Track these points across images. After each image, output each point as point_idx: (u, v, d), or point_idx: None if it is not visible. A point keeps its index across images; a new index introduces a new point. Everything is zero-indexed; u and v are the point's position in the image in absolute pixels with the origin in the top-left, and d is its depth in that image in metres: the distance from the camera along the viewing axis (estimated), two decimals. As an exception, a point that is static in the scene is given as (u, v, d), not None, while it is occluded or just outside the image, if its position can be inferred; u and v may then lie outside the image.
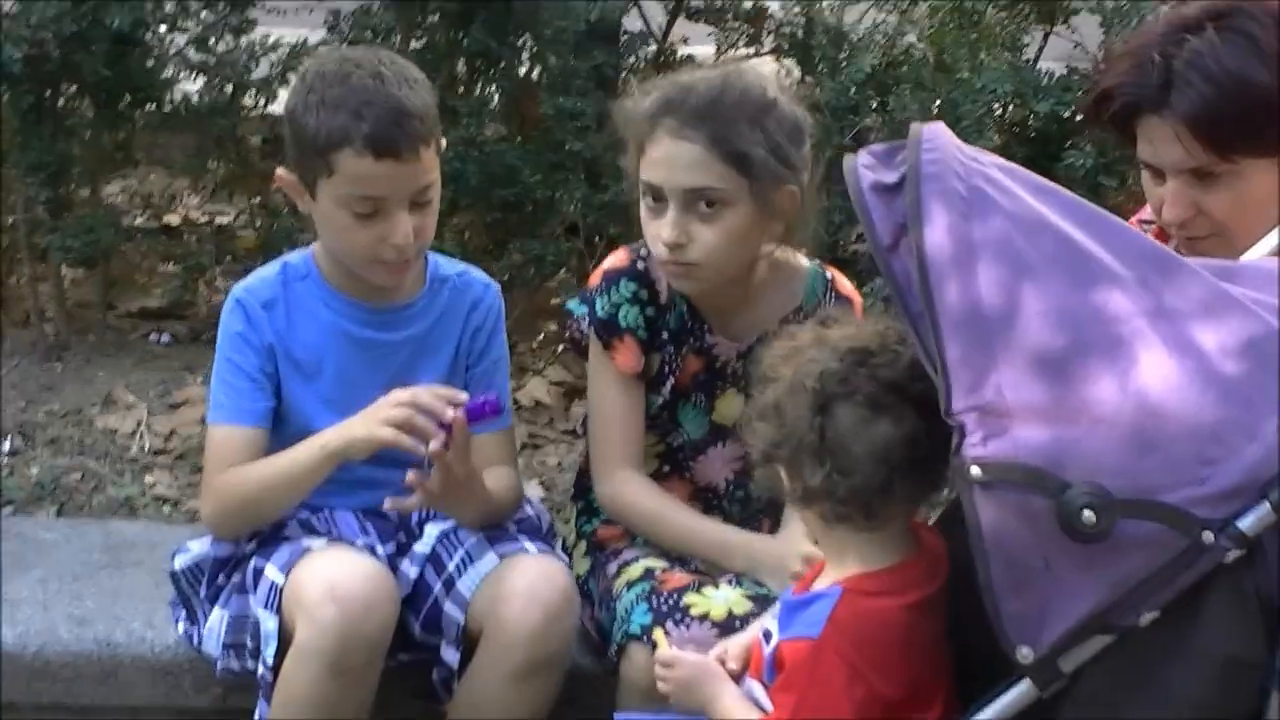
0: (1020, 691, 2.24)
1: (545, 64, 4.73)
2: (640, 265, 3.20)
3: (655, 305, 3.19)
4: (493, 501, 3.10)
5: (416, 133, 2.96)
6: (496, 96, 4.81)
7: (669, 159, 3.04)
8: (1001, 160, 2.41)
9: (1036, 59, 4.88)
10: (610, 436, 3.25)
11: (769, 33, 5.75)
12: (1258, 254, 2.58)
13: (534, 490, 4.11)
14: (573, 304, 3.28)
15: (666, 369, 3.24)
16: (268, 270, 3.17)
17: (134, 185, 5.65)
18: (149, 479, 4.43)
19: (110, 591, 3.57)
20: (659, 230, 3.05)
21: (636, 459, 3.25)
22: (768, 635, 2.61)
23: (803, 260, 3.27)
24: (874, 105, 4.83)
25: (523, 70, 4.94)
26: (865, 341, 2.47)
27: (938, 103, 4.59)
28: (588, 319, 3.22)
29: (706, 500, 3.33)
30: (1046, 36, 4.86)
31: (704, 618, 2.96)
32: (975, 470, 2.15)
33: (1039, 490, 2.15)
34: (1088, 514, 2.12)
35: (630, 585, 3.11)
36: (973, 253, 2.23)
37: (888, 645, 2.45)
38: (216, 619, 3.13)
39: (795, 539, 3.07)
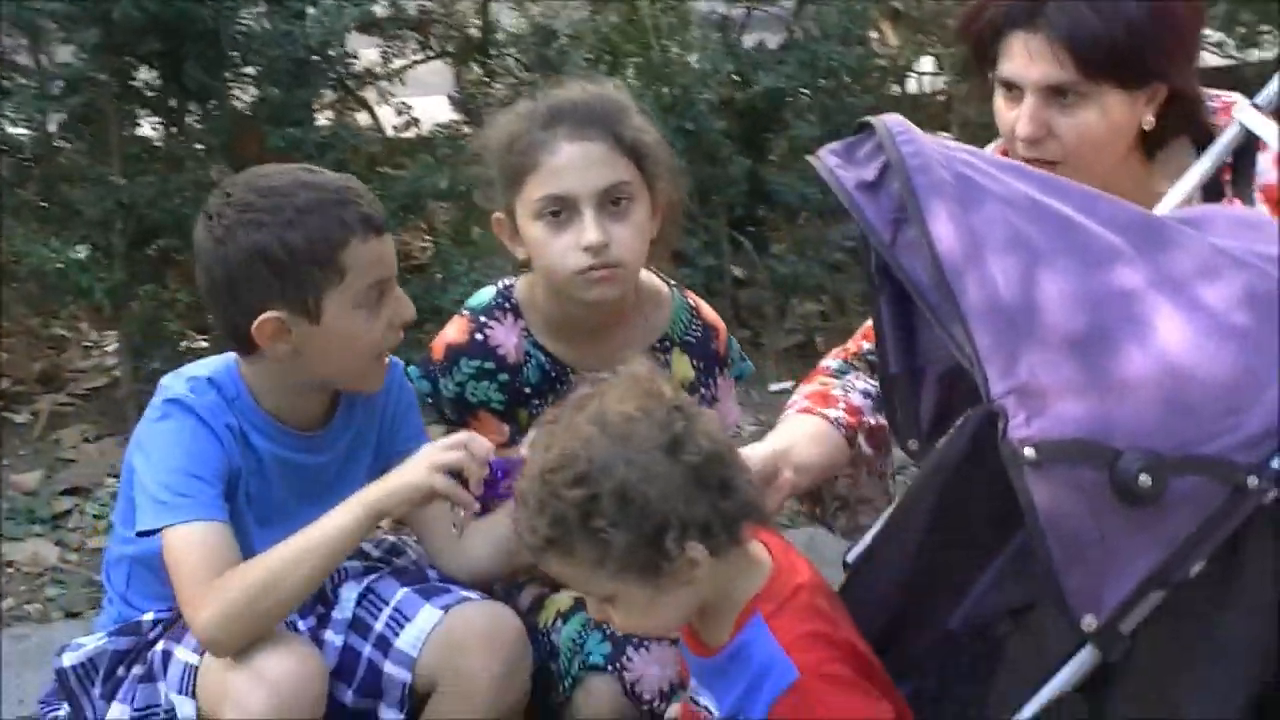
0: (1082, 660, 2.28)
1: (265, 96, 4.53)
2: (480, 336, 3.11)
3: (505, 369, 3.11)
4: None
5: (379, 218, 2.87)
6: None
7: (576, 162, 2.96)
8: (963, 145, 2.44)
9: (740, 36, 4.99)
10: None
11: (438, 38, 5.70)
12: (1171, 201, 2.70)
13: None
14: (414, 376, 3.15)
15: (536, 419, 3.15)
16: (204, 390, 2.89)
17: None
18: None
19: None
20: (576, 240, 2.95)
21: None
22: (703, 706, 2.57)
23: (663, 286, 3.23)
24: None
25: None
26: (648, 389, 2.44)
27: (666, 89, 4.62)
28: (430, 397, 3.14)
29: None
30: (749, 12, 4.97)
31: (661, 638, 2.92)
32: (1029, 452, 2.17)
33: (1091, 462, 2.19)
34: (1144, 478, 2.17)
35: (565, 617, 3.04)
36: (979, 243, 2.26)
37: (832, 621, 2.46)
38: (117, 714, 2.90)
39: None
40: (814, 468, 2.93)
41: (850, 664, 2.41)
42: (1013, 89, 2.98)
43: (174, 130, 4.59)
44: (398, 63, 5.77)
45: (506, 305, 3.14)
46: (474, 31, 5.57)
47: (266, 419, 2.92)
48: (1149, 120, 3.00)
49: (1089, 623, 2.23)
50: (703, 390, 3.23)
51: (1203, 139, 3.15)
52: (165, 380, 2.94)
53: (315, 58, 4.65)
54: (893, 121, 2.39)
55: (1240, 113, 2.71)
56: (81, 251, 4.36)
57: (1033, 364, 2.22)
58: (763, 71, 4.73)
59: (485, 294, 3.18)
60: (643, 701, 2.92)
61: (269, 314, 2.79)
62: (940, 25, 5.14)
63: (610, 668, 2.92)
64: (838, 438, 2.98)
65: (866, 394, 3.04)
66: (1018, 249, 2.27)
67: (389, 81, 5.64)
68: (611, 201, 2.97)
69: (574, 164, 2.96)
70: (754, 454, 2.79)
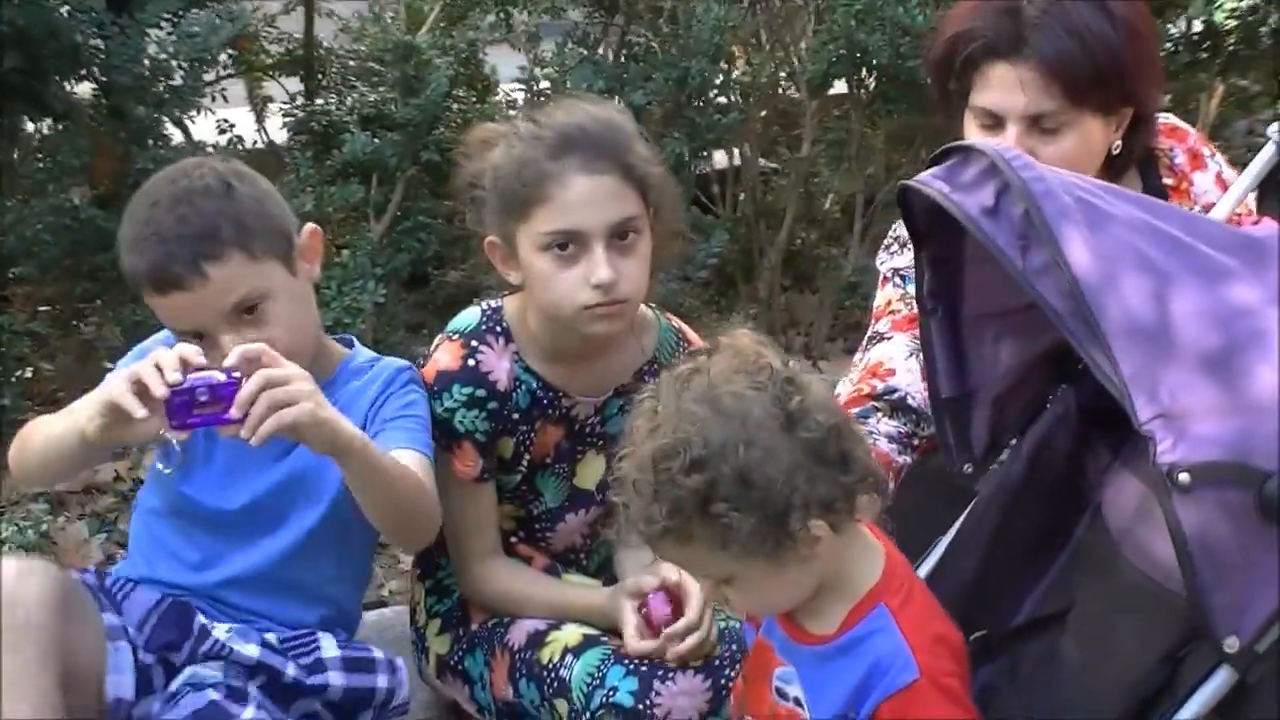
0: (1221, 681, 2.28)
1: (126, 114, 4.27)
2: (472, 362, 3.01)
3: (496, 397, 3.02)
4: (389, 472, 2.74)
5: (198, 253, 2.72)
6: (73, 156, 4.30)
7: (588, 197, 2.87)
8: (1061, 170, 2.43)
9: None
10: (461, 534, 3.11)
11: (259, 54, 5.50)
12: (1221, 213, 2.76)
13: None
14: None
15: (521, 448, 3.08)
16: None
17: None
18: None
19: None
20: (585, 275, 2.87)
21: (492, 548, 3.13)
22: (790, 699, 2.47)
23: (648, 310, 3.17)
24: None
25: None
26: (755, 362, 2.33)
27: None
28: None
29: (566, 560, 3.21)
30: (609, 29, 4.90)
31: (685, 667, 2.87)
32: (1184, 477, 2.15)
33: (1239, 484, 2.18)
34: (1294, 498, 2.18)
35: (575, 652, 2.95)
36: (1112, 266, 2.24)
37: (947, 627, 2.42)
38: None
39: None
40: None
41: (961, 677, 2.36)
42: (992, 118, 2.99)
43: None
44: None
45: (497, 329, 3.04)
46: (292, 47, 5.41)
47: None
48: (1117, 144, 3.06)
49: (1231, 644, 2.22)
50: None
51: (1146, 161, 3.24)
52: None
53: (181, 76, 4.42)
54: (1000, 147, 2.37)
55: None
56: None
57: (1172, 386, 2.20)
58: (629, 89, 4.67)
59: (470, 317, 3.08)
60: None
61: None
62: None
63: (641, 705, 2.83)
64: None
65: (891, 437, 3.04)
66: (1145, 270, 2.26)
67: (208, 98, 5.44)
68: (619, 235, 2.90)
69: (586, 199, 2.87)
70: None
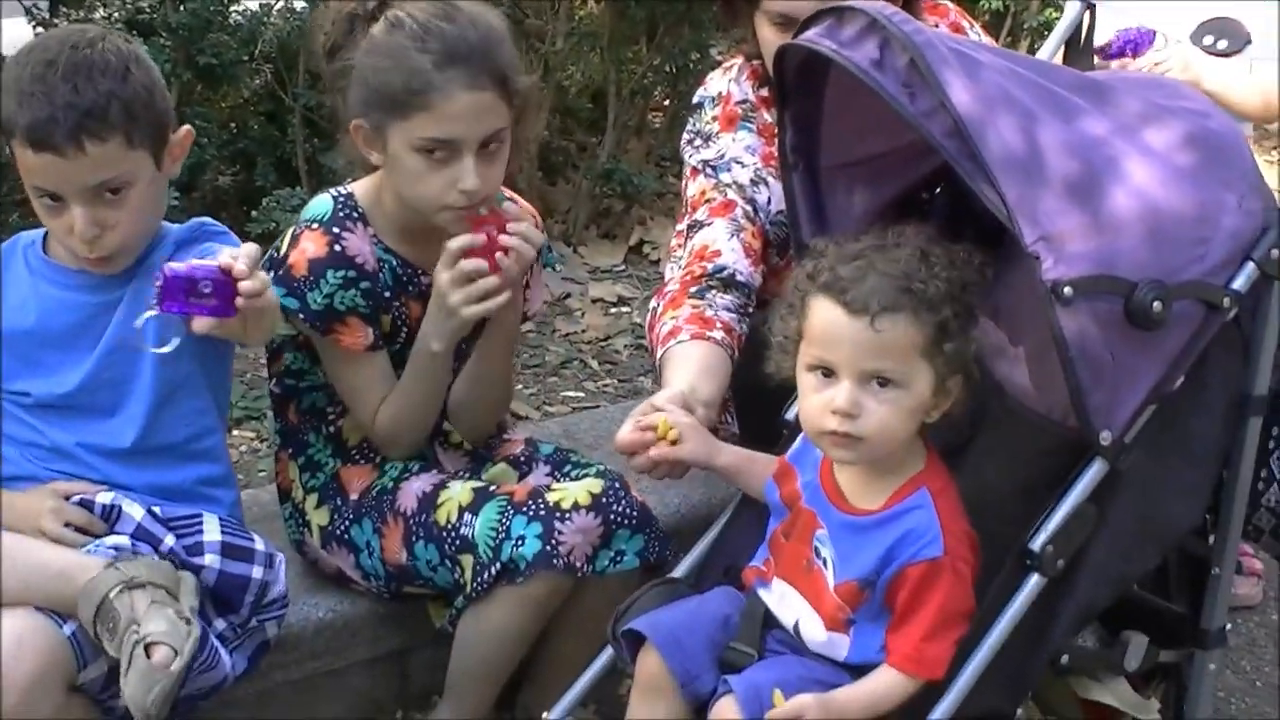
0: (1095, 471, 2.58)
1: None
2: (338, 247, 3.13)
3: (367, 277, 3.15)
4: None
5: (83, 128, 2.79)
6: None
7: (468, 112, 3.01)
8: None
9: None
10: (364, 400, 3.25)
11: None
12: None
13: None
14: (279, 296, 3.10)
15: (399, 322, 3.23)
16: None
17: None
18: None
19: None
20: (453, 180, 3.03)
21: None
22: (821, 558, 2.65)
23: None
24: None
25: None
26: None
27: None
28: (300, 312, 3.13)
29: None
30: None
31: (577, 507, 3.06)
32: (1068, 290, 2.43)
33: (1110, 294, 2.48)
34: (1156, 305, 2.48)
35: (472, 510, 3.11)
36: (988, 106, 2.50)
37: (968, 525, 2.61)
38: None
39: None
40: (716, 399, 3.11)
41: (972, 567, 2.58)
42: (784, 19, 3.26)
43: None
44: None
45: (353, 214, 3.17)
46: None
47: (46, 262, 3.02)
48: None
49: (1105, 437, 2.53)
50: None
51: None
52: None
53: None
54: (878, 4, 2.60)
55: (1089, -8, 3.07)
56: None
57: (1048, 211, 2.48)
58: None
59: (323, 204, 3.19)
60: (576, 569, 3.06)
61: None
62: None
63: (547, 546, 3.02)
64: (725, 359, 3.19)
65: (729, 309, 3.28)
66: (1015, 110, 2.53)
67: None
68: (486, 145, 3.06)
69: (466, 113, 3.02)
70: (669, 397, 2.96)
